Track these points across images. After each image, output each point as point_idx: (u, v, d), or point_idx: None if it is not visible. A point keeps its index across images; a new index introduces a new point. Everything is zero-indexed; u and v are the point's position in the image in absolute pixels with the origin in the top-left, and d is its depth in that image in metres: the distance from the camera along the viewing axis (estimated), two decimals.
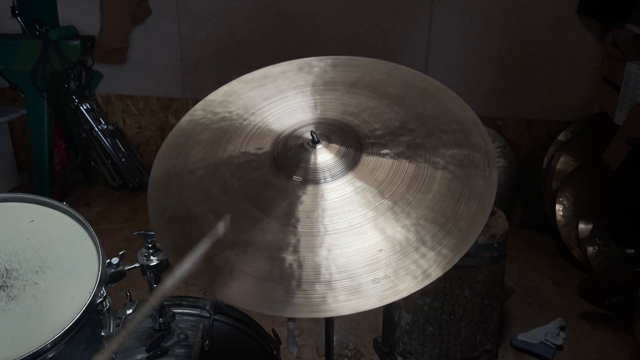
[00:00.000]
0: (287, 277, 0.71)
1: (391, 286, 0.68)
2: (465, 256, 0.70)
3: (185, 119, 0.97)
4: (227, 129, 0.92)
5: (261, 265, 0.73)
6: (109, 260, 0.93)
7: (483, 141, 0.82)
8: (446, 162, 0.80)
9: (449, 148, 0.81)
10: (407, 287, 0.68)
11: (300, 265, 0.72)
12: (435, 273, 0.69)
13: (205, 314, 1.13)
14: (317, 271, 0.71)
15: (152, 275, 1.00)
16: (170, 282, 0.67)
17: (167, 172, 0.89)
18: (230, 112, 0.95)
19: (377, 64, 0.99)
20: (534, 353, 1.89)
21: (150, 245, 0.99)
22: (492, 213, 1.69)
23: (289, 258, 0.72)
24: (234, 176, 0.84)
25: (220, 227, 0.74)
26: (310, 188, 0.79)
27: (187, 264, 0.69)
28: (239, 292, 0.71)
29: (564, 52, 2.56)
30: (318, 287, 0.69)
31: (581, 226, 2.37)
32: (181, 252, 0.78)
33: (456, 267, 0.71)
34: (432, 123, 0.85)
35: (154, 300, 0.67)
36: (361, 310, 0.67)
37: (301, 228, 0.75)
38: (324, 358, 1.08)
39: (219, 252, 0.75)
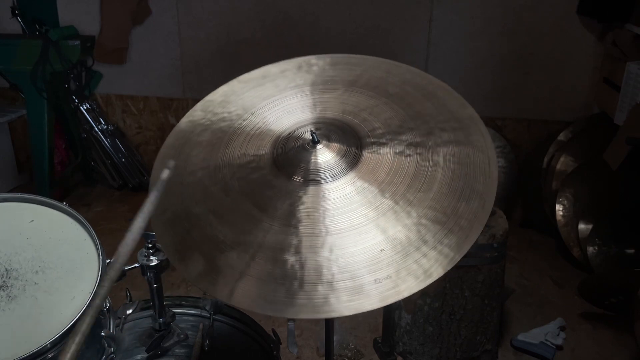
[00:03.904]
0: (289, 277, 0.71)
1: (393, 286, 0.68)
2: (465, 256, 0.70)
3: (184, 120, 0.97)
4: (226, 130, 0.91)
5: (263, 266, 0.73)
6: (109, 260, 0.93)
7: (483, 139, 0.82)
8: (446, 161, 0.79)
9: (449, 146, 0.81)
10: (408, 286, 0.68)
11: (302, 266, 0.72)
12: (437, 272, 0.68)
13: (205, 314, 1.13)
14: (318, 272, 0.71)
15: (152, 275, 0.99)
16: (129, 240, 0.66)
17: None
18: (229, 112, 0.95)
19: (376, 62, 0.99)
20: (534, 353, 1.88)
21: (150, 245, 0.99)
22: (492, 213, 1.69)
23: (291, 259, 0.72)
24: (234, 177, 0.84)
25: (165, 173, 0.73)
26: (311, 188, 0.79)
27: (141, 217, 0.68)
28: (241, 293, 0.71)
29: (564, 52, 2.56)
30: (320, 288, 0.69)
31: (581, 226, 2.37)
32: (182, 253, 0.78)
33: (456, 267, 0.71)
34: (432, 121, 0.85)
35: (116, 264, 0.66)
36: (363, 311, 0.67)
37: (302, 229, 0.75)
38: (324, 358, 1.08)
39: (220, 253, 0.75)
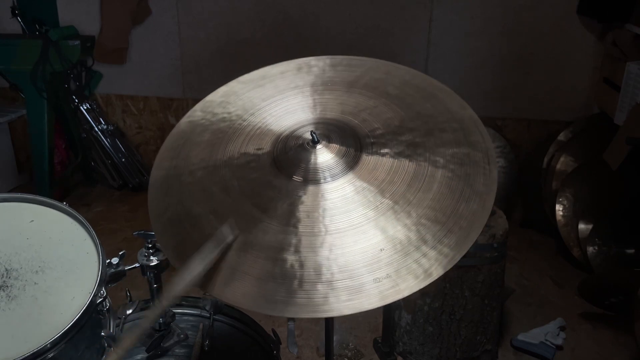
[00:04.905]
0: (288, 277, 0.71)
1: (393, 285, 0.68)
2: (465, 256, 0.70)
3: (184, 120, 0.97)
4: (226, 130, 0.92)
5: (263, 265, 0.73)
6: (109, 260, 0.93)
7: (482, 139, 0.82)
8: (446, 161, 0.80)
9: (449, 147, 0.81)
10: (408, 286, 0.68)
11: (301, 265, 0.72)
12: (437, 272, 0.69)
13: (205, 314, 1.13)
14: (318, 271, 0.71)
15: (152, 275, 0.99)
16: (178, 287, 0.67)
17: (166, 173, 0.89)
18: (229, 112, 0.95)
19: (375, 64, 0.99)
20: (534, 353, 1.88)
21: (150, 245, 0.99)
22: (492, 213, 1.69)
23: (291, 258, 0.72)
24: (234, 177, 0.84)
25: (227, 233, 0.74)
26: (310, 188, 0.79)
27: (195, 270, 0.68)
28: (241, 292, 0.71)
29: (564, 52, 2.56)
30: (320, 287, 0.69)
31: (581, 226, 2.37)
32: (181, 253, 0.78)
33: (456, 267, 0.71)
34: (432, 122, 0.85)
35: (161, 306, 0.67)
36: (363, 310, 0.67)
37: (302, 228, 0.75)
38: (324, 358, 1.08)
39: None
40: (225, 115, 0.95)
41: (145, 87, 3.06)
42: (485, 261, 1.63)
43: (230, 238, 0.74)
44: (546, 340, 1.91)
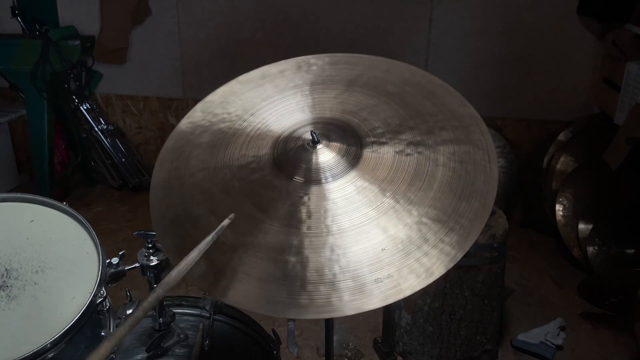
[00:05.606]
0: (290, 278, 0.71)
1: (395, 285, 0.68)
2: (465, 256, 0.70)
3: (184, 121, 0.97)
4: (226, 131, 0.91)
5: (264, 266, 0.73)
6: (109, 260, 0.93)
7: (483, 137, 0.82)
8: (447, 159, 0.79)
9: (449, 145, 0.81)
10: (410, 285, 0.68)
11: (303, 266, 0.71)
12: (439, 271, 0.68)
13: (205, 314, 1.13)
14: (320, 272, 0.70)
15: (152, 275, 0.99)
16: (172, 277, 0.67)
17: (168, 175, 0.89)
18: (229, 113, 0.95)
19: (375, 61, 0.99)
20: (534, 353, 1.88)
21: (150, 245, 0.99)
22: (492, 213, 1.69)
23: (292, 259, 0.72)
24: (235, 178, 0.83)
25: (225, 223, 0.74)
26: (311, 188, 0.79)
27: (188, 260, 0.68)
28: (243, 294, 0.71)
29: (564, 52, 2.56)
30: (322, 288, 0.69)
31: (581, 226, 2.37)
32: (183, 254, 0.78)
33: (456, 267, 0.71)
34: (432, 120, 0.85)
35: (154, 297, 0.67)
36: (365, 310, 0.67)
37: (303, 229, 0.75)
38: (324, 358, 1.08)
39: (221, 254, 0.75)
40: (225, 115, 0.94)
41: (145, 87, 3.06)
42: (485, 261, 1.63)
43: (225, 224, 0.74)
44: (546, 340, 1.91)
